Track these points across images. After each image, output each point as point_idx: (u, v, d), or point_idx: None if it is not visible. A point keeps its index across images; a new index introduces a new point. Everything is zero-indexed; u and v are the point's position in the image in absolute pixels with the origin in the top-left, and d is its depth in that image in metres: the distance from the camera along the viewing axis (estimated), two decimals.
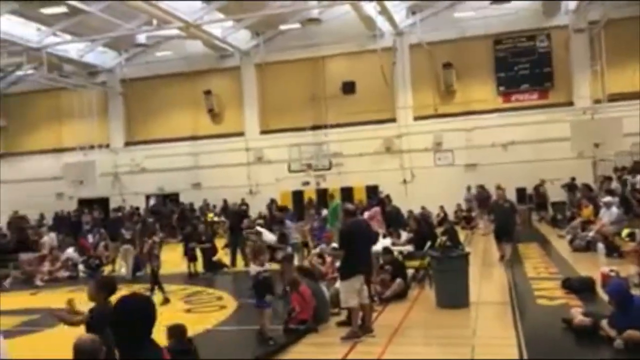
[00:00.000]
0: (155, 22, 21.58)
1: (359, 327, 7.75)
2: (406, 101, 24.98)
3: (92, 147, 26.65)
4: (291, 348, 7.60)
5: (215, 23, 23.51)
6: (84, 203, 27.20)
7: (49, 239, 18.44)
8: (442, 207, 22.89)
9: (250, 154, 26.37)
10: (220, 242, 16.89)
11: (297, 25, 24.60)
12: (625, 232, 13.25)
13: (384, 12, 22.57)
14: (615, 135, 18.18)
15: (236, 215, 17.66)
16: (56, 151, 27.98)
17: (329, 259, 11.12)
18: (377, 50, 24.46)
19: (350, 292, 7.69)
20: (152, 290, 11.38)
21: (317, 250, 12.44)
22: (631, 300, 6.88)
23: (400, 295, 9.95)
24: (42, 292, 14.09)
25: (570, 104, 23.15)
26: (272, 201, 25.00)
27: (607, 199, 14.38)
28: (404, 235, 14.01)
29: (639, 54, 21.03)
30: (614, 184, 17.22)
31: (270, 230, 13.86)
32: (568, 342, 7.09)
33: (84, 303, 11.43)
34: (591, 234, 14.04)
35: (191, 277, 14.33)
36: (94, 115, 27.08)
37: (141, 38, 23.95)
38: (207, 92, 26.70)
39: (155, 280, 11.62)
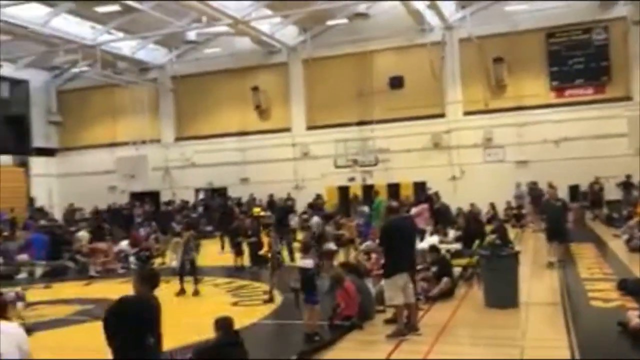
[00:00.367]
0: (204, 19, 21.89)
1: (404, 325, 7.67)
2: (455, 96, 24.57)
3: (143, 142, 27.31)
4: (336, 344, 7.58)
5: (263, 19, 23.69)
6: (136, 196, 27.92)
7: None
8: (492, 205, 22.43)
9: (297, 149, 26.48)
10: (266, 237, 17.00)
11: (344, 21, 24.51)
12: None
13: (433, 6, 22.23)
14: None
15: (282, 210, 17.78)
16: (110, 146, 28.75)
17: (374, 256, 11.04)
18: (425, 44, 24.14)
19: (394, 289, 7.60)
20: (182, 281, 11.66)
21: (363, 246, 12.39)
22: None
23: (447, 294, 9.79)
24: (95, 282, 14.51)
25: (628, 98, 22.25)
26: (318, 196, 25.08)
27: None
28: (452, 233, 13.80)
29: None
30: None
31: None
32: (623, 346, 6.82)
33: (130, 292, 11.71)
34: None
35: (237, 271, 14.51)
36: (146, 111, 27.73)
37: (191, 35, 24.37)
38: (255, 89, 26.94)
39: (193, 272, 11.91)
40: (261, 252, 15.57)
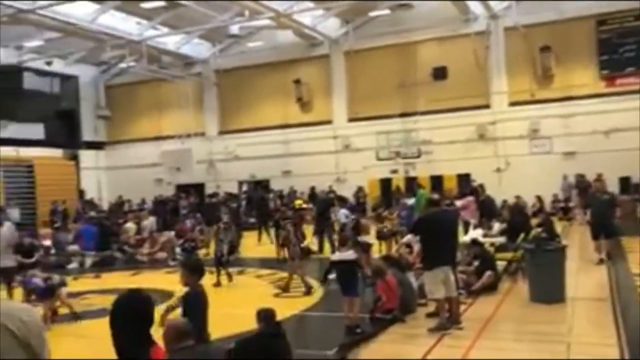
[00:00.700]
0: (247, 13, 22.06)
1: (446, 319, 7.61)
2: (501, 86, 24.08)
3: (188, 135, 27.78)
4: (377, 337, 7.58)
5: (306, 12, 23.70)
6: (181, 188, 28.46)
7: (149, 222, 19.39)
8: (538, 197, 21.94)
9: (338, 141, 26.46)
10: (307, 229, 17.10)
11: (387, 11, 24.30)
12: None
13: None
14: None
15: (323, 202, 17.83)
16: (156, 139, 29.35)
17: (416, 249, 10.95)
18: (470, 34, 23.71)
19: (435, 283, 7.55)
20: (218, 272, 11.84)
21: (405, 239, 12.30)
22: None
23: (491, 288, 9.66)
24: (142, 272, 14.90)
25: None
26: (359, 189, 25.04)
27: None
28: (497, 226, 13.55)
29: None
30: None
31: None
32: None
33: (176, 282, 11.97)
34: None
35: (280, 263, 14.63)
36: (190, 105, 28.18)
37: (234, 29, 24.57)
38: (297, 81, 27.03)
39: (222, 263, 12.16)
40: (303, 244, 15.70)
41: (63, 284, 9.77)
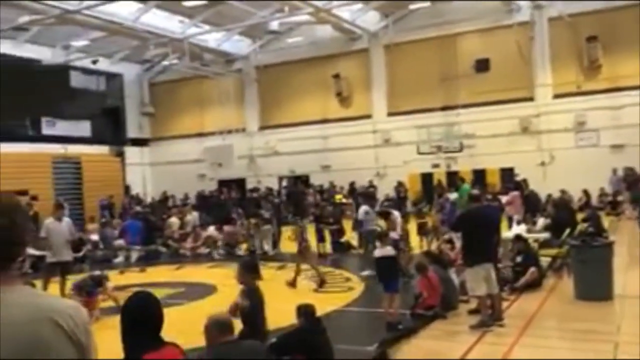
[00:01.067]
0: (287, 9, 22.15)
1: (489, 316, 7.51)
2: (545, 78, 23.52)
3: (229, 131, 28.12)
4: (418, 333, 7.54)
5: (345, 6, 23.64)
6: (224, 184, 28.86)
7: (192, 217, 19.74)
8: (585, 191, 21.37)
9: (378, 136, 26.34)
10: (347, 224, 17.13)
11: (427, 4, 24.02)
12: None
13: None
14: None
15: (363, 197, 17.79)
16: (198, 135, 29.83)
17: (458, 245, 10.83)
18: (512, 25, 23.23)
19: (477, 280, 7.45)
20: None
21: (447, 235, 12.18)
22: None
23: (534, 285, 9.47)
24: (185, 267, 15.18)
25: None
26: (400, 184, 24.89)
27: None
28: (541, 221, 13.28)
29: None
30: None
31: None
32: None
33: (222, 277, 12.17)
34: None
35: (319, 258, 14.68)
36: (231, 101, 28.51)
37: (274, 25, 24.75)
38: (336, 76, 27.01)
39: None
40: (343, 239, 15.74)
41: (106, 278, 10.06)
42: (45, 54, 25.51)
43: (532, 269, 9.57)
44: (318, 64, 27.44)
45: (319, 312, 6.43)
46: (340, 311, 9.00)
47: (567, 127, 22.96)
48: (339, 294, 10.32)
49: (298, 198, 23.57)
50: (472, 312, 8.03)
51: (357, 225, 13.68)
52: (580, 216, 14.01)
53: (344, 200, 23.95)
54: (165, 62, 28.10)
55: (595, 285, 8.51)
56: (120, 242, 17.22)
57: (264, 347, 5.08)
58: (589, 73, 22.78)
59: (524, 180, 19.74)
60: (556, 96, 23.27)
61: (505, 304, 8.21)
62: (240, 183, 28.70)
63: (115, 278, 11.66)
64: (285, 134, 27.90)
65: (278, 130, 28.36)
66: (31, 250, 12.14)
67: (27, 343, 1.67)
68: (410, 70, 25.41)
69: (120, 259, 16.62)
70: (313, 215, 17.67)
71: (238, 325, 5.15)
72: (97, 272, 10.21)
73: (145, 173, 31.44)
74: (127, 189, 29.37)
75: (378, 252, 8.17)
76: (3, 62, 23.28)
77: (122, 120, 30.89)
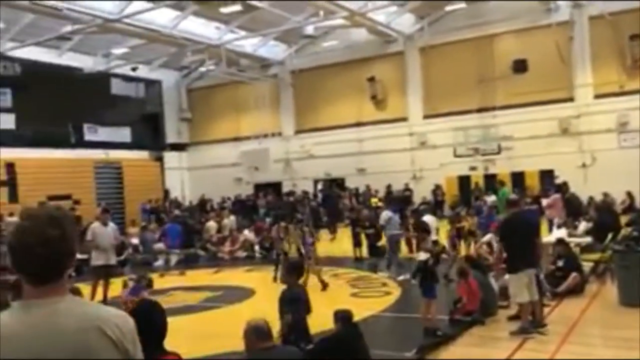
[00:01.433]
0: (322, 13, 22.22)
1: (529, 323, 7.38)
2: (585, 78, 22.99)
3: (265, 135, 28.37)
4: (457, 340, 7.46)
5: (380, 9, 23.57)
6: (260, 187, 29.11)
7: (230, 221, 19.97)
8: (629, 194, 20.78)
9: (414, 138, 26.17)
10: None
11: (462, 5, 23.77)
12: None
13: None
14: None
15: (399, 200, 17.70)
16: (234, 140, 30.14)
17: (497, 249, 10.68)
18: (551, 25, 22.78)
19: (519, 286, 7.33)
20: (276, 269, 11.99)
21: (486, 239, 12.02)
22: None
23: (577, 291, 9.27)
24: (223, 270, 15.35)
25: None
26: (437, 187, 24.67)
27: None
28: (583, 225, 12.97)
29: None
30: None
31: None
32: None
33: (259, 280, 12.28)
34: None
35: (356, 262, 14.68)
36: (267, 106, 28.75)
37: (309, 30, 24.82)
38: (371, 79, 26.94)
39: (277, 260, 12.35)
40: (379, 243, 15.65)
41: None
42: (87, 62, 26.23)
43: (574, 274, 9.37)
44: (353, 68, 27.43)
45: (356, 318, 6.43)
46: (378, 316, 8.97)
47: (609, 127, 22.38)
48: (376, 299, 10.29)
49: (333, 201, 23.62)
50: (511, 318, 7.91)
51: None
52: (623, 219, 13.62)
53: (379, 204, 23.86)
54: (203, 68, 28.50)
55: None
56: (159, 245, 17.52)
57: (301, 353, 5.12)
58: (632, 72, 22.15)
59: (564, 183, 19.34)
60: (597, 96, 22.72)
61: (546, 310, 8.06)
62: (276, 187, 28.90)
63: (155, 281, 11.86)
64: (321, 138, 27.96)
65: (313, 134, 28.45)
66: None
67: (75, 352, 1.73)
68: (446, 72, 25.17)
69: (160, 262, 16.90)
70: (349, 219, 17.67)
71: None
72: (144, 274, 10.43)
73: (183, 177, 31.95)
74: (166, 193, 29.90)
75: (418, 257, 8.14)
76: (48, 71, 24.05)
77: (161, 125, 31.50)
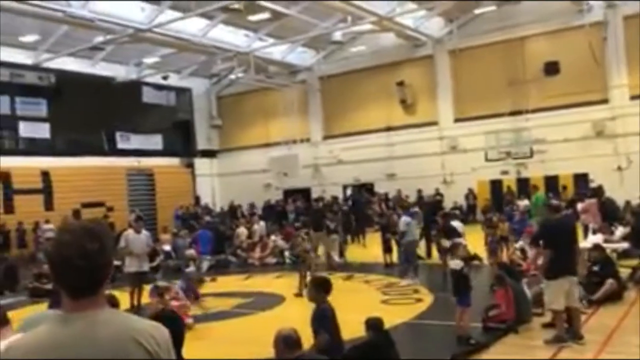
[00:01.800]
0: (349, 19, 22.23)
1: (565, 331, 7.21)
2: (620, 79, 22.47)
3: (294, 141, 28.47)
4: (490, 348, 7.33)
5: (408, 14, 23.48)
6: (289, 193, 29.18)
7: (259, 227, 20.02)
8: None
9: (444, 142, 25.93)
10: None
11: (492, 8, 23.50)
12: None
13: None
14: None
15: (430, 205, 17.54)
16: (264, 146, 30.30)
17: (531, 255, 10.49)
18: (584, 26, 22.36)
19: (557, 293, 7.16)
20: (301, 283, 11.97)
21: (518, 244, 11.84)
22: None
23: (614, 297, 9.03)
24: (254, 276, 15.42)
25: None
26: (470, 191, 24.41)
27: None
28: (619, 230, 12.66)
29: None
30: None
31: None
32: None
33: (289, 287, 12.30)
34: None
35: (387, 268, 14.59)
36: (296, 112, 28.85)
37: (337, 35, 24.87)
38: (400, 83, 26.81)
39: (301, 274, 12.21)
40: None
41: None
42: (118, 72, 26.75)
43: (611, 280, 9.14)
44: (381, 72, 27.34)
45: (387, 325, 6.38)
46: (409, 324, 8.88)
47: None
48: (407, 306, 10.18)
49: (361, 206, 23.52)
50: (546, 325, 7.75)
51: (400, 236, 13.31)
52: None
53: (416, 209, 23.63)
54: (232, 76, 28.76)
55: None
56: (191, 251, 17.66)
57: None
58: None
59: (600, 187, 18.89)
60: (633, 97, 22.18)
61: (583, 318, 7.87)
62: (305, 192, 28.94)
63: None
64: (350, 143, 27.92)
65: (342, 139, 28.42)
66: None
67: None
68: (476, 75, 24.90)
69: (191, 268, 17.02)
70: (379, 224, 17.56)
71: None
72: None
73: (214, 183, 32.25)
74: (197, 199, 30.20)
75: (451, 265, 8.05)
76: (81, 81, 24.58)
77: (192, 133, 31.88)
